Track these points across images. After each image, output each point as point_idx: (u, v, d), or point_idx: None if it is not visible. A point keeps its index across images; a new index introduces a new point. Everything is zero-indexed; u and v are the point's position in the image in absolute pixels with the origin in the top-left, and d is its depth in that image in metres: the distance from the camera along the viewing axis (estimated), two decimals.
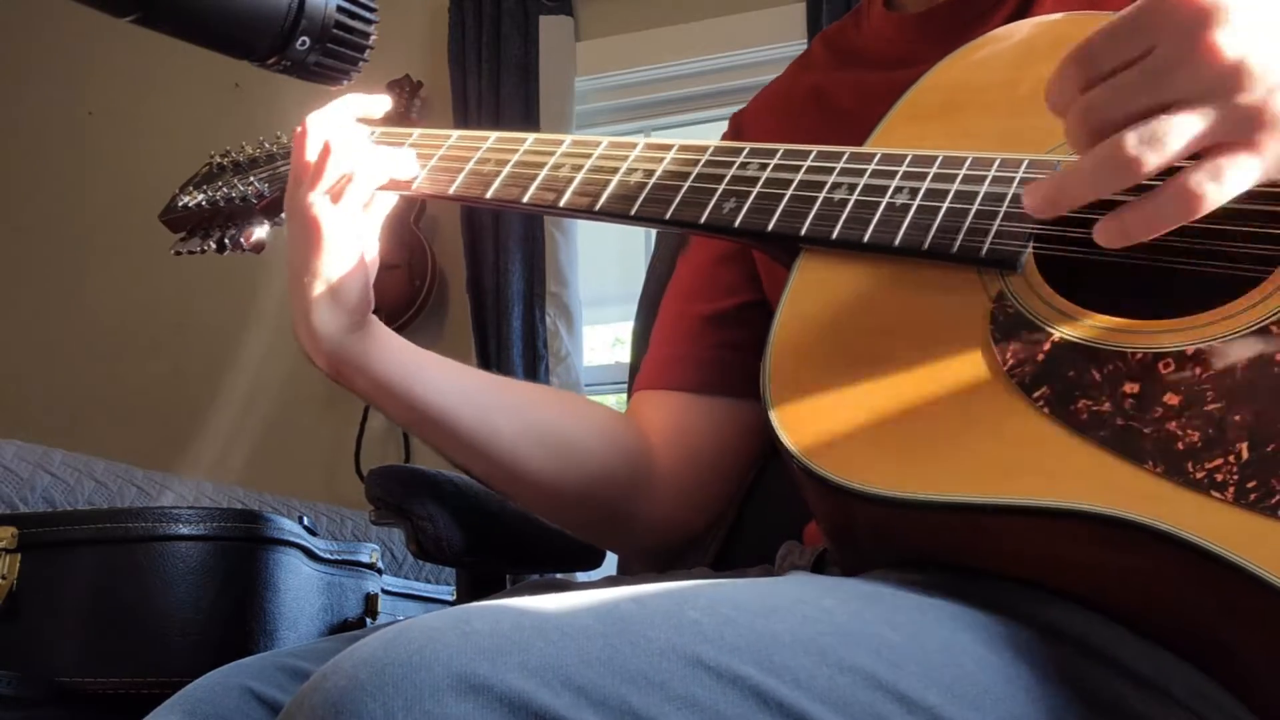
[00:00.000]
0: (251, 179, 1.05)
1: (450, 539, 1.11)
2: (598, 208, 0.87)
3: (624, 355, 2.74)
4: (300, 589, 1.50)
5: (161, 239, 1.10)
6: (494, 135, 0.95)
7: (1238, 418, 0.59)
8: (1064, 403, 0.64)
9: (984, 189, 0.75)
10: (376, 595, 1.65)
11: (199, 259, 1.09)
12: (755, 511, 1.16)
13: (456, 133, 0.96)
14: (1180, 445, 0.60)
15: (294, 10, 0.80)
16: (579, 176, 0.89)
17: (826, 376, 0.72)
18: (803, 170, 0.81)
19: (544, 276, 2.69)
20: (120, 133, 3.26)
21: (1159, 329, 0.64)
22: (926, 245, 0.74)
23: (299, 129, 0.94)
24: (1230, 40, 0.60)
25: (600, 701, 0.50)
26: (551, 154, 0.91)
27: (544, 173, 0.90)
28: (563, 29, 2.79)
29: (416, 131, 0.98)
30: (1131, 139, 0.60)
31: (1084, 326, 0.67)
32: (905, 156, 0.79)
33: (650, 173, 0.87)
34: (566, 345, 2.69)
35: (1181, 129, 0.60)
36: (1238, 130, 0.60)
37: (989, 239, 0.72)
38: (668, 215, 0.84)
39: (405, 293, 2.75)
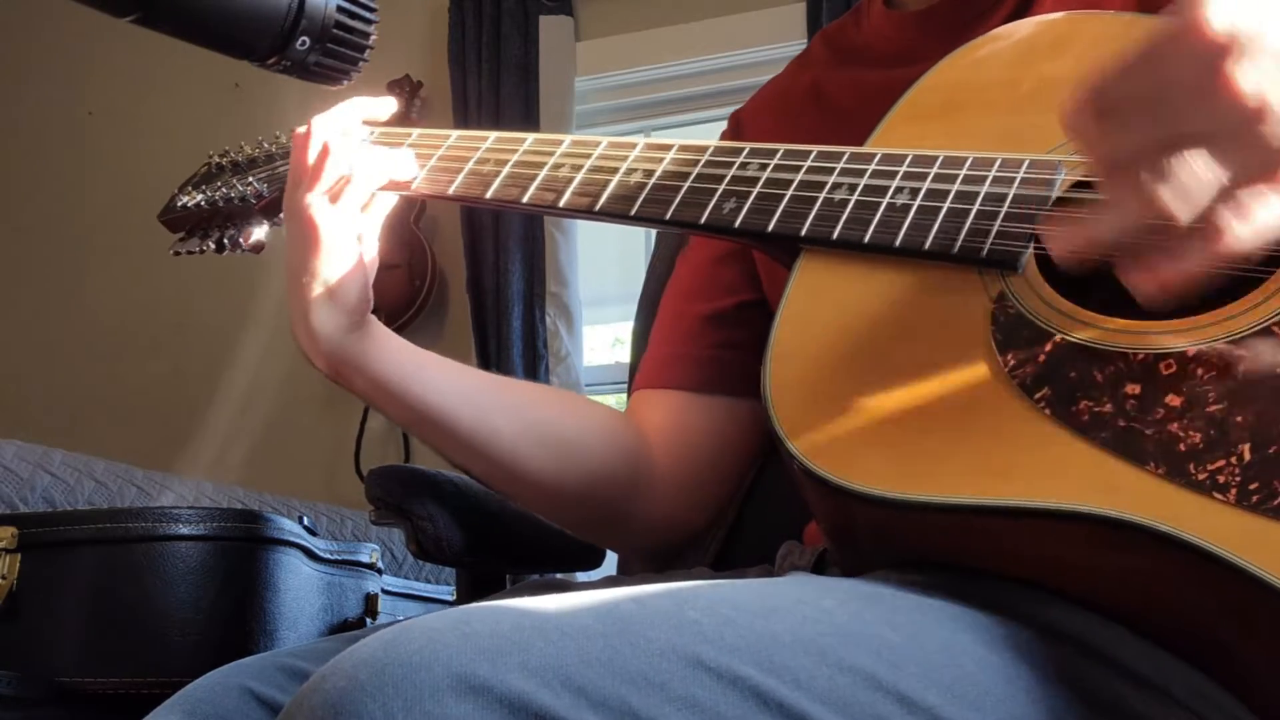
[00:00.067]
0: (250, 179, 1.05)
1: (450, 539, 1.11)
2: (597, 208, 0.87)
3: (624, 355, 2.74)
4: (300, 589, 1.50)
5: (161, 239, 1.10)
6: (493, 135, 0.95)
7: (1240, 419, 0.59)
8: (1065, 404, 0.64)
9: (985, 189, 0.75)
10: (376, 595, 1.65)
11: (198, 259, 1.09)
12: (755, 511, 1.16)
13: (456, 133, 0.96)
14: (1182, 446, 0.60)
15: (294, 10, 0.80)
16: (579, 177, 0.89)
17: (827, 377, 0.72)
18: (803, 170, 0.81)
19: (544, 276, 2.69)
20: (120, 133, 3.26)
21: (1160, 330, 0.64)
22: (927, 246, 0.73)
23: (298, 129, 0.94)
24: (1249, 73, 0.57)
25: (601, 702, 0.50)
26: (551, 154, 0.91)
27: (543, 173, 0.90)
28: (563, 29, 2.79)
29: (416, 132, 0.98)
30: (1165, 194, 0.58)
31: (1085, 327, 0.67)
32: (906, 156, 0.79)
33: (650, 173, 0.86)
34: (566, 345, 2.69)
35: (1207, 174, 0.58)
36: (1262, 167, 0.58)
37: (990, 239, 0.72)
38: (668, 215, 0.84)
39: (405, 293, 2.75)
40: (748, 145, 0.85)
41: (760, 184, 0.82)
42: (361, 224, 0.92)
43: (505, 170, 0.92)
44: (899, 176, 0.78)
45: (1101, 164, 0.62)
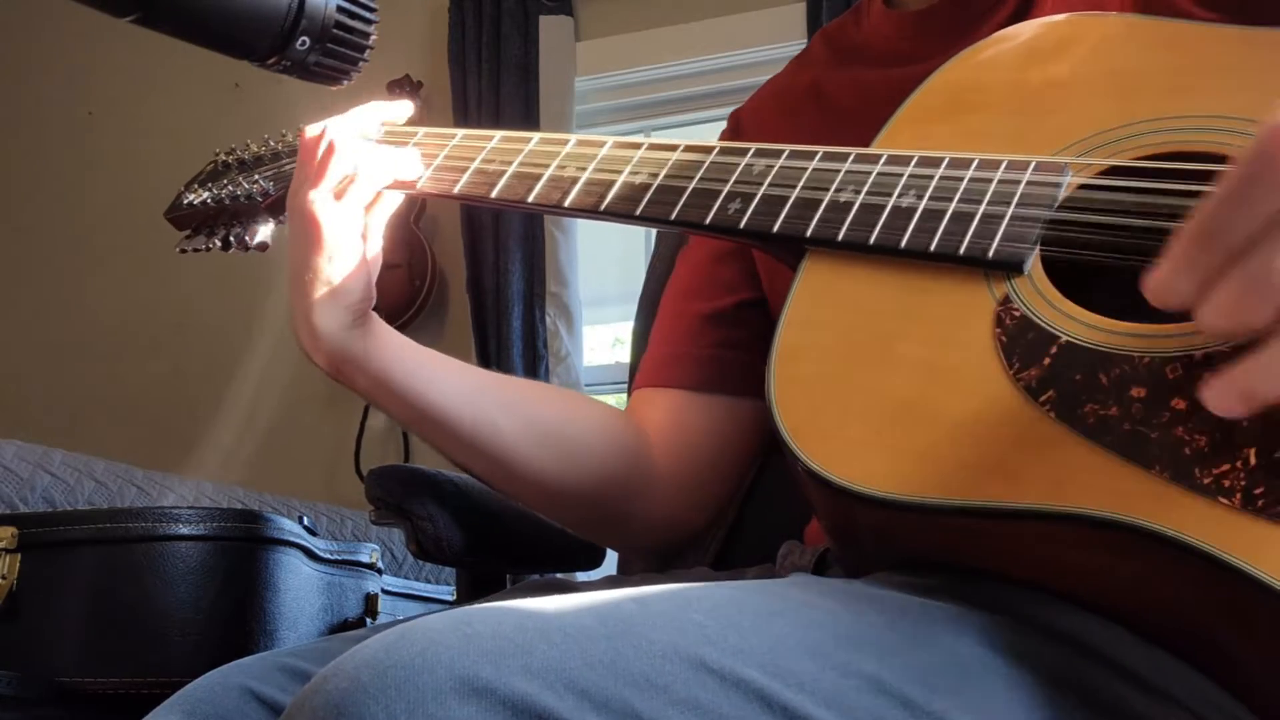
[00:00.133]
0: (256, 177, 1.05)
1: (450, 539, 1.11)
2: (603, 208, 0.87)
3: (624, 355, 2.74)
4: (300, 589, 1.50)
5: (161, 239, 1.10)
6: (499, 135, 0.95)
7: (1246, 423, 0.59)
8: (1071, 407, 0.64)
9: (991, 191, 0.74)
10: (376, 595, 1.65)
11: (199, 259, 1.09)
12: (756, 511, 1.16)
13: (461, 132, 0.96)
14: (1188, 450, 0.60)
15: (294, 10, 0.80)
16: (584, 177, 0.89)
17: (831, 378, 0.71)
18: (808, 171, 0.81)
19: (544, 276, 2.69)
20: (121, 133, 3.26)
21: (1167, 333, 0.64)
22: (933, 247, 0.73)
23: (309, 129, 0.94)
24: None
25: (603, 704, 0.50)
26: (557, 154, 0.91)
27: (549, 172, 0.90)
28: (563, 29, 2.79)
29: (421, 131, 0.98)
30: None
31: (1091, 330, 0.66)
32: (912, 158, 0.79)
33: (655, 173, 0.86)
34: (566, 345, 2.69)
35: None
36: None
37: (996, 241, 0.72)
38: (673, 216, 0.84)
39: (405, 293, 2.76)
40: (753, 146, 0.85)
41: (765, 185, 0.82)
42: (365, 222, 0.92)
43: (511, 170, 0.92)
44: (905, 178, 0.78)
45: (1256, 298, 0.54)
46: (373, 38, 0.86)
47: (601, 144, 0.90)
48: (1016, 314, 0.69)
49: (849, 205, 0.78)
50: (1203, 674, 0.63)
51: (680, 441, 1.05)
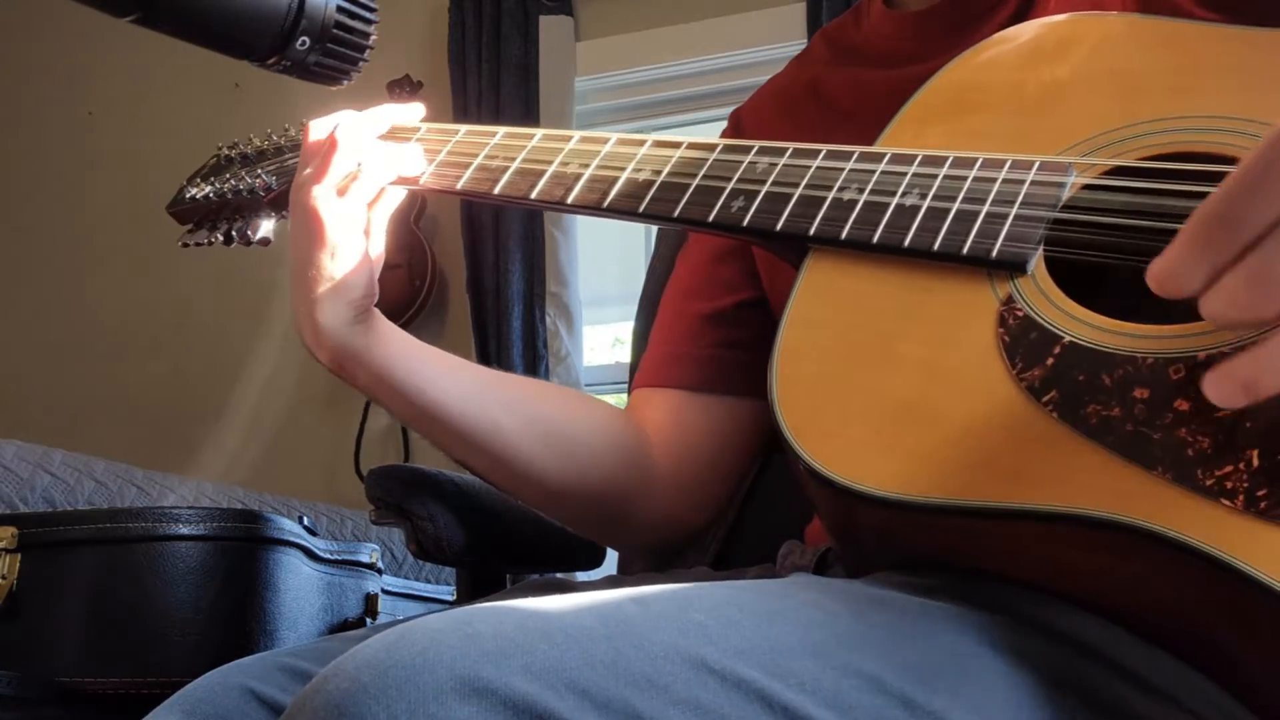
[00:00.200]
0: (259, 172, 1.05)
1: (450, 539, 1.11)
2: (606, 205, 0.86)
3: (624, 355, 2.74)
4: (300, 589, 1.50)
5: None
6: (502, 131, 0.95)
7: (1249, 425, 0.59)
8: (1073, 407, 0.64)
9: (995, 190, 0.74)
10: (376, 595, 1.65)
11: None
12: (756, 511, 1.16)
13: (464, 128, 0.96)
14: (1190, 452, 0.60)
15: (294, 10, 0.80)
16: (587, 173, 0.89)
17: (834, 377, 0.71)
18: (812, 170, 0.81)
19: (544, 276, 2.69)
20: (121, 132, 3.27)
21: (1170, 334, 0.64)
22: (936, 247, 0.73)
23: (311, 122, 0.94)
24: None
25: (604, 704, 0.50)
26: (560, 150, 0.91)
27: (552, 169, 0.90)
28: (563, 29, 2.79)
29: (424, 126, 0.98)
30: None
31: (1094, 331, 0.66)
32: (915, 157, 0.79)
33: (658, 170, 0.86)
34: (566, 345, 2.69)
35: None
36: None
37: (999, 241, 0.72)
38: (675, 213, 0.84)
39: (405, 292, 2.75)
40: (756, 144, 0.85)
41: (769, 183, 0.82)
42: (368, 218, 0.91)
43: (514, 166, 0.91)
44: (909, 177, 0.78)
45: (1266, 290, 0.53)
46: (373, 38, 0.86)
47: (605, 141, 0.90)
48: (1020, 314, 0.69)
49: (852, 204, 0.78)
50: (1203, 674, 0.63)
51: (680, 441, 1.05)
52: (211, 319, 3.09)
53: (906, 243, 0.74)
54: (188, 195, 1.08)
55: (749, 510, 1.16)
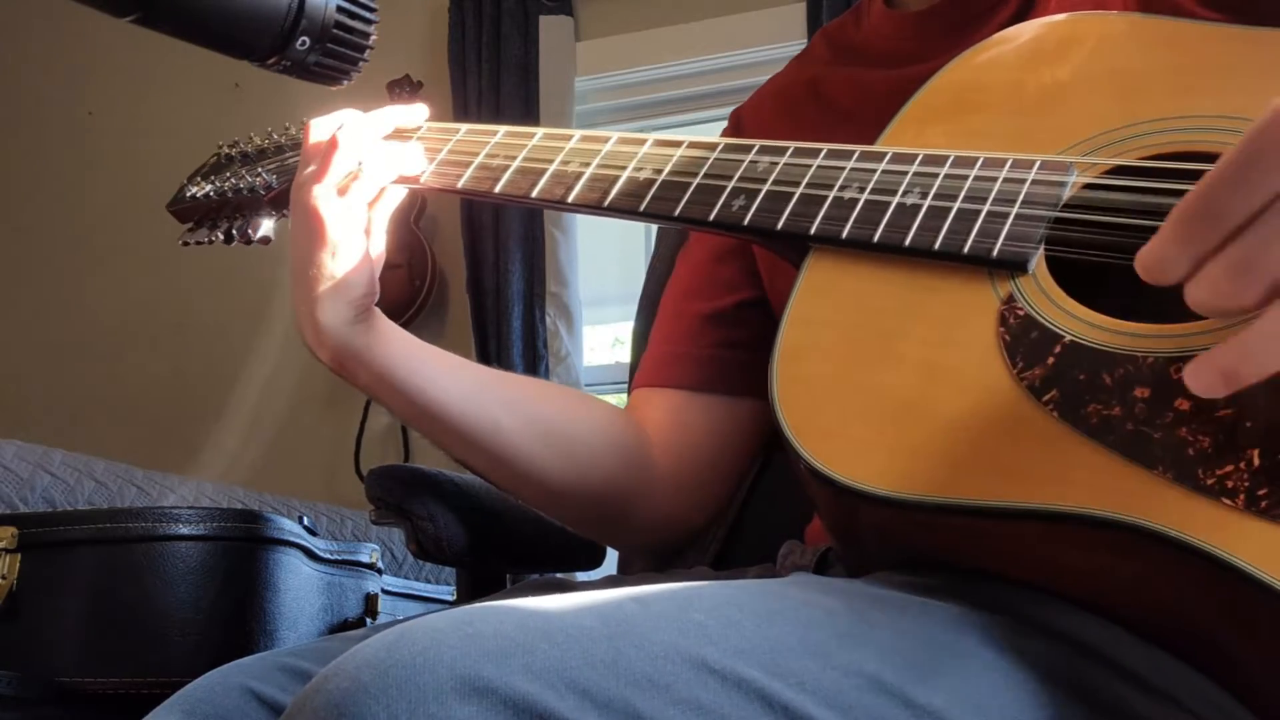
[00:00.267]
0: (259, 170, 1.05)
1: (450, 539, 1.11)
2: (606, 204, 0.86)
3: (624, 355, 2.74)
4: (300, 589, 1.50)
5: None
6: (502, 130, 0.95)
7: (1249, 424, 0.59)
8: (1074, 406, 0.64)
9: (996, 190, 0.74)
10: (376, 595, 1.65)
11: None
12: (756, 511, 1.16)
13: (464, 127, 0.96)
14: (1191, 451, 0.60)
15: (294, 10, 0.80)
16: (588, 172, 0.89)
17: (834, 377, 0.71)
18: (813, 169, 0.81)
19: (544, 276, 2.69)
20: (120, 132, 3.26)
21: (1171, 333, 0.64)
22: (937, 246, 0.73)
23: (311, 121, 0.94)
24: None
25: (605, 704, 0.50)
26: (560, 149, 0.91)
27: (553, 168, 0.90)
28: (563, 29, 2.79)
29: (425, 125, 0.98)
30: None
31: (1095, 330, 0.66)
32: (916, 156, 0.79)
33: (659, 169, 0.86)
34: (566, 345, 2.69)
35: None
36: None
37: (1000, 240, 0.72)
38: (676, 212, 0.84)
39: (405, 292, 2.75)
40: (757, 143, 0.85)
41: (769, 182, 0.82)
42: (369, 217, 0.91)
43: (514, 165, 0.91)
44: (909, 176, 0.78)
45: (1248, 280, 0.54)
46: (373, 38, 0.86)
47: (605, 140, 0.90)
48: (1020, 313, 0.69)
49: (853, 203, 0.78)
50: (1203, 674, 0.63)
51: (680, 441, 1.05)
52: (211, 319, 3.09)
53: (907, 242, 0.74)
54: (188, 194, 1.08)
55: (749, 510, 1.16)
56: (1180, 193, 0.69)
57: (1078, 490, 0.61)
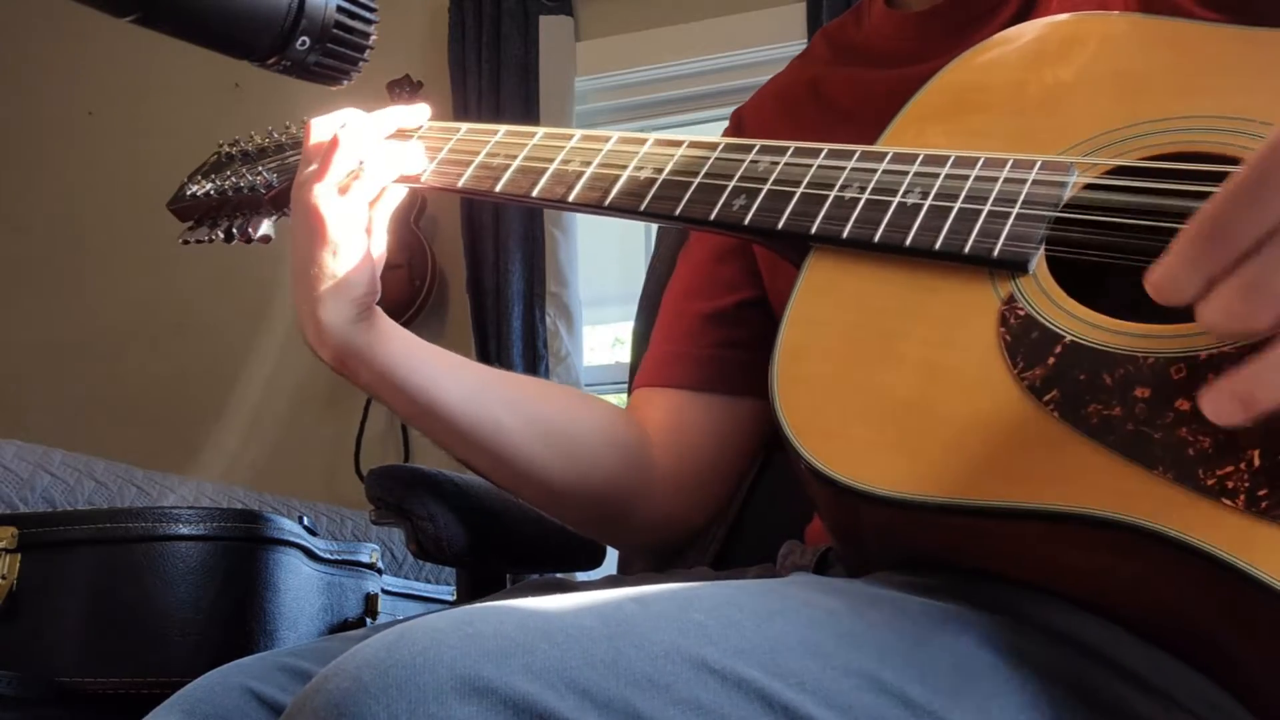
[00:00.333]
0: (260, 169, 1.05)
1: (450, 539, 1.11)
2: (607, 203, 0.86)
3: (624, 355, 2.74)
4: (300, 589, 1.50)
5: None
6: (503, 129, 0.95)
7: (1250, 425, 0.59)
8: (1074, 406, 0.63)
9: (997, 190, 0.74)
10: (376, 595, 1.65)
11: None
12: (756, 511, 1.16)
13: (465, 126, 0.96)
14: (1191, 451, 0.60)
15: (294, 10, 0.80)
16: (588, 171, 0.89)
17: (835, 377, 0.71)
18: (813, 169, 0.81)
19: (544, 276, 2.69)
20: (120, 133, 3.26)
21: (1172, 334, 0.64)
22: (938, 246, 0.73)
23: (312, 120, 0.94)
24: None
25: (605, 704, 0.50)
26: (561, 148, 0.91)
27: (553, 167, 0.90)
28: (563, 29, 2.79)
29: (425, 124, 0.98)
30: None
31: (1095, 330, 0.66)
32: (917, 156, 0.79)
33: (660, 169, 0.86)
34: (566, 345, 2.69)
35: None
36: None
37: (1001, 240, 0.72)
38: (677, 212, 0.84)
39: (405, 292, 2.75)
40: (758, 142, 0.85)
41: (770, 181, 0.82)
42: (370, 216, 0.91)
43: (515, 164, 0.91)
44: (910, 176, 0.78)
45: (1259, 301, 0.53)
46: (373, 38, 0.86)
47: (606, 139, 0.90)
48: (1021, 313, 0.69)
49: (854, 203, 0.78)
50: (1203, 675, 0.63)
51: (680, 441, 1.05)
52: (211, 319, 3.09)
53: (908, 242, 0.74)
54: (188, 192, 1.08)
55: (749, 510, 1.16)
56: (1180, 193, 0.69)
57: (1078, 490, 0.61)
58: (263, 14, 0.80)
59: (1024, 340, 0.67)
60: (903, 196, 0.77)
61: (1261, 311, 0.53)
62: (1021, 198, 0.73)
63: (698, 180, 0.84)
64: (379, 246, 0.92)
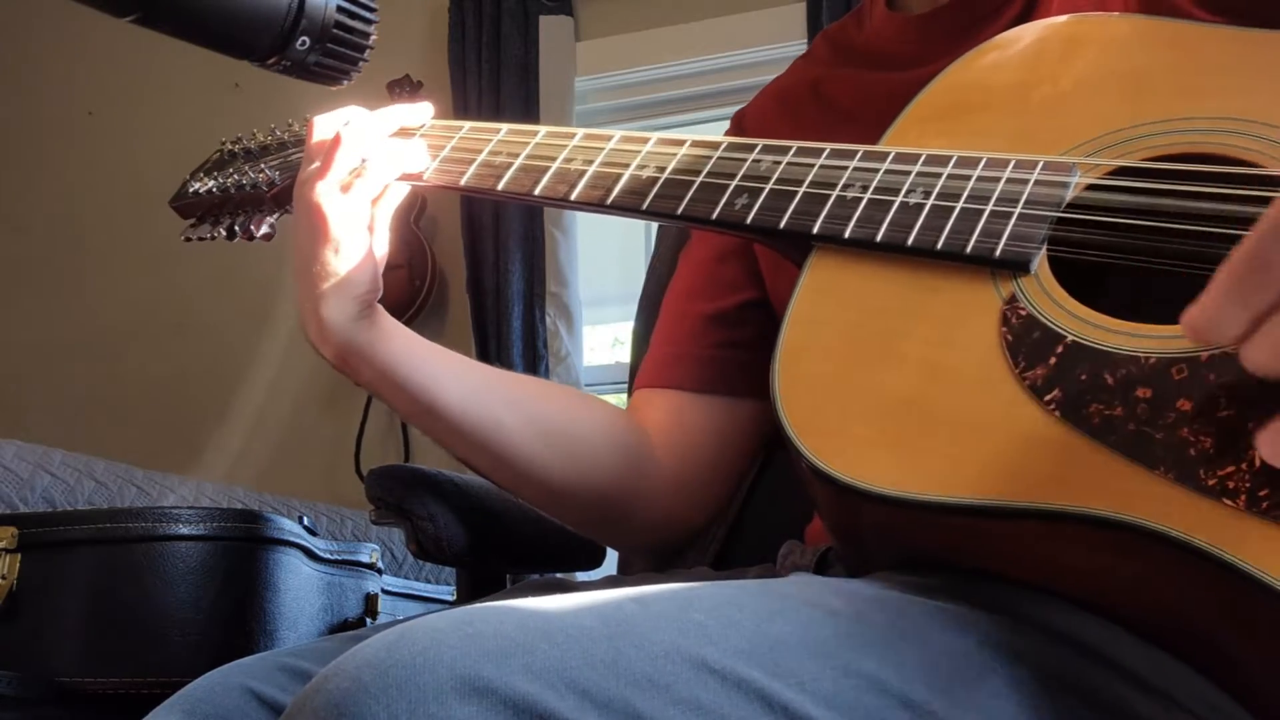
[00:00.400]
0: (262, 167, 1.05)
1: (450, 539, 1.11)
2: (609, 202, 0.86)
3: (624, 355, 2.74)
4: (300, 589, 1.50)
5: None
6: (505, 128, 0.95)
7: (1251, 425, 0.59)
8: (1076, 407, 0.63)
9: (999, 190, 0.74)
10: (376, 595, 1.65)
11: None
12: (756, 511, 1.16)
13: (467, 124, 0.96)
14: (1192, 451, 0.59)
15: (294, 10, 0.80)
16: (590, 170, 0.89)
17: (837, 376, 0.71)
18: (816, 168, 0.81)
19: (544, 276, 2.69)
20: (120, 133, 3.26)
21: (1173, 334, 0.64)
22: (940, 246, 0.73)
23: (315, 118, 0.94)
24: None
25: (605, 704, 0.50)
26: (563, 147, 0.91)
27: (555, 165, 0.90)
28: (563, 29, 2.78)
29: (428, 122, 0.98)
30: None
31: (1097, 330, 0.66)
32: (919, 156, 0.79)
33: (662, 168, 0.86)
34: (566, 345, 2.69)
35: None
36: None
37: (1003, 240, 0.72)
38: (679, 210, 0.84)
39: (405, 292, 2.75)
40: (761, 142, 0.85)
41: (772, 181, 0.82)
42: (372, 214, 0.91)
43: (517, 162, 0.91)
44: (912, 176, 0.78)
45: None
46: (373, 38, 0.86)
47: (608, 138, 0.90)
48: (1023, 313, 0.69)
49: (856, 202, 0.78)
50: (1203, 675, 0.63)
51: (681, 441, 1.05)
52: (212, 319, 3.09)
53: (910, 241, 0.74)
54: (190, 189, 1.08)
55: (749, 510, 1.16)
56: (1182, 193, 0.69)
57: (1079, 490, 0.61)
58: (263, 14, 0.80)
59: (1025, 340, 0.67)
60: (905, 196, 0.77)
61: None
62: (1024, 198, 0.73)
63: (700, 179, 0.84)
64: (381, 244, 0.92)
